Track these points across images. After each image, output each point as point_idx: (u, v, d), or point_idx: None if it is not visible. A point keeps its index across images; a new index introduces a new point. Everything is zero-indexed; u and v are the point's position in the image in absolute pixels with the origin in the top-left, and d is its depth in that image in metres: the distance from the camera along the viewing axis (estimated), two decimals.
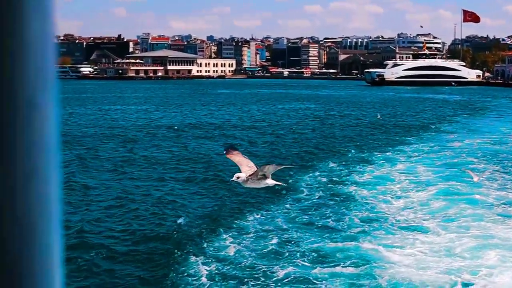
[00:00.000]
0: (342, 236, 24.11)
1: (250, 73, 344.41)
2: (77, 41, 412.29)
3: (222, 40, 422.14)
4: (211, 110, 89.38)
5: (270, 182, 10.50)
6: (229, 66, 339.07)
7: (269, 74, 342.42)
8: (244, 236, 24.08)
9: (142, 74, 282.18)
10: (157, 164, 40.20)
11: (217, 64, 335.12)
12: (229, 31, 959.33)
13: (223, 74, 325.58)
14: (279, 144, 50.72)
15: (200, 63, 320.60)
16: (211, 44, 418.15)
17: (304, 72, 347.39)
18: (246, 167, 10.56)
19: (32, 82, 0.80)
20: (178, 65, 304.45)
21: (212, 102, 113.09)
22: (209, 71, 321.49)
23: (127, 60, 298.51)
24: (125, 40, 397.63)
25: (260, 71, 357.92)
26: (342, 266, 20.70)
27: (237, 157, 11.26)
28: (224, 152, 12.00)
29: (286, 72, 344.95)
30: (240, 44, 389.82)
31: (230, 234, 24.32)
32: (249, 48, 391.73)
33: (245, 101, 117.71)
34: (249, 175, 10.20)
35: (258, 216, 27.13)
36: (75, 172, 36.40)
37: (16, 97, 0.78)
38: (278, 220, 26.51)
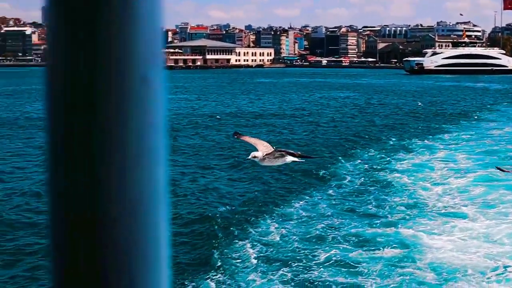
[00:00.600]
0: (382, 222, 24.71)
1: (288, 62, 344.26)
2: None
3: (261, 29, 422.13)
4: (251, 99, 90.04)
5: (287, 159, 10.60)
6: (267, 55, 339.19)
7: (307, 63, 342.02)
8: (288, 221, 24.81)
9: (181, 64, 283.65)
10: (201, 152, 41.00)
11: (255, 53, 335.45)
12: (267, 20, 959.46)
13: (261, 63, 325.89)
14: (319, 132, 51.23)
15: (239, 52, 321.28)
16: (249, 33, 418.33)
17: (343, 61, 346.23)
18: (262, 146, 10.66)
19: (145, 60, 0.85)
20: (217, 54, 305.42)
21: (251, 91, 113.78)
22: (247, 60, 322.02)
23: (166, 50, 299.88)
24: (164, 29, 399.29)
25: (298, 60, 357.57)
26: (383, 251, 21.30)
27: (250, 139, 11.52)
28: (235, 136, 12.48)
29: (324, 61, 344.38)
30: (278, 33, 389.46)
31: (274, 219, 25.05)
32: (287, 37, 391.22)
33: (284, 90, 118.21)
34: (266, 154, 10.28)
35: (302, 202, 27.83)
36: None
37: (131, 74, 0.81)
38: (321, 206, 27.20)
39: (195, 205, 27.22)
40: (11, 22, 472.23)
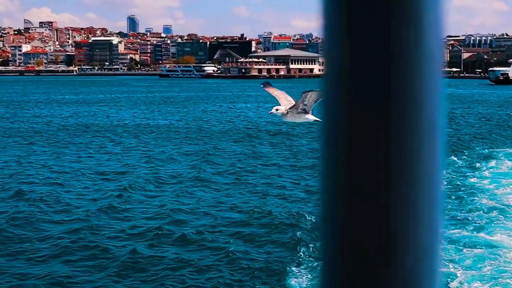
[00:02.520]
0: (468, 226, 25.79)
1: None
2: (200, 40, 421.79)
3: None
4: None
5: (310, 117, 10.30)
6: None
7: None
8: None
9: (265, 73, 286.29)
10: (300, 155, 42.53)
11: None
12: None
13: None
14: None
15: (322, 62, 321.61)
16: None
17: None
18: (284, 100, 10.45)
19: (432, 69, 0.81)
20: (300, 64, 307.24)
21: None
22: None
23: (250, 59, 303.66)
24: (247, 39, 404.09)
25: None
26: (468, 252, 22.39)
27: (275, 91, 11.25)
28: (262, 86, 12.23)
29: None
30: None
31: None
32: None
33: None
34: (289, 108, 9.98)
35: None
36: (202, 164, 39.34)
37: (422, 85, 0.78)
38: None
39: (282, 207, 28.93)
40: (98, 32, 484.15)
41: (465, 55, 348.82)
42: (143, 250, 22.13)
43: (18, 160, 40.29)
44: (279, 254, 22.31)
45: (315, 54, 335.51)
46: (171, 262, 21.10)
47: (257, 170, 38.13)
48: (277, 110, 9.71)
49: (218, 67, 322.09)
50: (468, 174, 37.07)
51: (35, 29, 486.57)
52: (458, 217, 27.25)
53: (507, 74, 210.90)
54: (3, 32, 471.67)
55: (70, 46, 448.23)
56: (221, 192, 32.03)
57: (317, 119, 10.10)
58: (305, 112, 9.81)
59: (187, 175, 35.38)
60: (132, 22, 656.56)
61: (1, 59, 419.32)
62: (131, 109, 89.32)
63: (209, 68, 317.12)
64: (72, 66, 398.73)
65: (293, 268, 20.92)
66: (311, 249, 22.64)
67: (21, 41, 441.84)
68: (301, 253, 22.20)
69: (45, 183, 33.29)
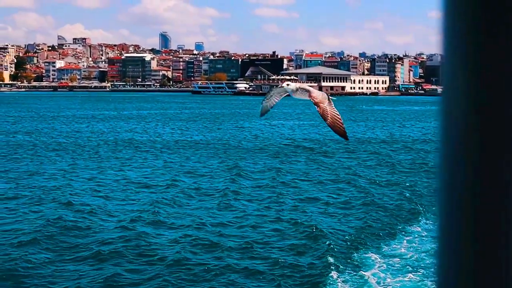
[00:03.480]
0: None
1: (403, 90, 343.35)
2: (232, 57, 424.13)
3: (375, 56, 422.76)
4: (369, 127, 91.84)
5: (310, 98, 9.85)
6: (382, 83, 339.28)
7: (423, 91, 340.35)
8: (418, 238, 26.98)
9: None
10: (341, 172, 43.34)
11: (370, 81, 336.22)
12: (381, 47, 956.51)
13: (376, 91, 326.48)
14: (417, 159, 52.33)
15: (354, 80, 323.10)
16: (363, 61, 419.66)
17: None
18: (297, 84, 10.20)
19: None
20: (332, 81, 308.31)
21: (368, 118, 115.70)
22: (362, 88, 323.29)
23: (282, 77, 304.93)
24: (279, 56, 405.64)
25: (413, 88, 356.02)
26: None
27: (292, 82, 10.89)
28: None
29: (440, 89, 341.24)
30: (393, 61, 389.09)
31: (406, 238, 27.27)
32: (402, 65, 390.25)
33: (402, 117, 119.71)
34: (299, 87, 9.84)
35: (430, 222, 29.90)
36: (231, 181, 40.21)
37: None
38: None
39: (329, 218, 29.77)
40: (131, 49, 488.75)
41: None
42: (185, 258, 23.05)
43: (63, 173, 41.50)
44: (316, 266, 23.02)
45: (347, 72, 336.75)
46: (213, 268, 22.01)
47: (294, 184, 38.86)
48: (288, 85, 9.65)
49: (250, 84, 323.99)
50: None
51: (68, 45, 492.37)
52: None
53: None
54: (37, 48, 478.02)
55: (103, 62, 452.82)
56: (259, 205, 32.79)
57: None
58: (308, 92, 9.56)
59: (225, 189, 36.23)
60: (164, 38, 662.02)
61: (35, 75, 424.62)
62: (168, 124, 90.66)
63: (241, 85, 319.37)
64: (105, 82, 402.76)
65: (333, 279, 21.59)
66: (347, 261, 23.51)
67: (55, 57, 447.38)
68: (341, 266, 22.96)
69: (91, 194, 34.42)
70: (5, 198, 33.30)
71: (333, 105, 8.99)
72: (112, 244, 24.81)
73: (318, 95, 9.23)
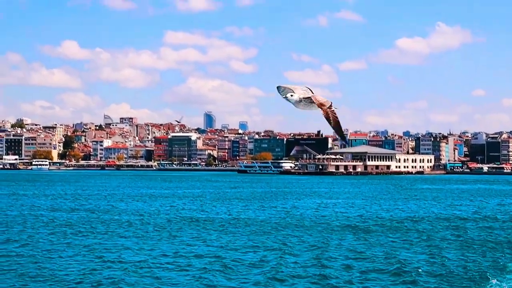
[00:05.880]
0: None
1: (449, 169, 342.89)
2: (277, 137, 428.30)
3: (420, 135, 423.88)
4: (419, 206, 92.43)
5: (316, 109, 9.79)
6: (427, 161, 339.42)
7: (468, 170, 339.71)
8: None
9: (342, 170, 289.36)
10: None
11: (415, 159, 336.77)
12: (425, 126, 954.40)
13: (421, 169, 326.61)
14: (492, 236, 52.98)
15: (399, 159, 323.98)
16: (408, 140, 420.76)
17: (505, 168, 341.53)
18: (300, 90, 9.92)
19: None
20: (377, 160, 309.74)
21: (417, 197, 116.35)
22: (407, 167, 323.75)
23: (328, 156, 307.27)
24: (323, 136, 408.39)
25: (459, 167, 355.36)
26: None
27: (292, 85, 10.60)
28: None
29: (485, 167, 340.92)
30: (438, 139, 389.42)
31: None
32: (447, 143, 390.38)
33: (447, 196, 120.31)
34: (303, 98, 9.70)
35: None
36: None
37: None
38: None
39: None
40: (176, 128, 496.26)
41: None
42: None
43: (130, 251, 43.30)
44: None
45: (392, 151, 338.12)
46: None
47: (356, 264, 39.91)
48: (292, 96, 9.66)
49: (296, 163, 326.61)
50: None
51: (115, 125, 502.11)
52: None
53: None
54: (85, 127, 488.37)
55: (150, 141, 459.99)
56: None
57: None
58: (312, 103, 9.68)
59: (303, 273, 37.13)
60: (209, 118, 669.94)
61: (83, 153, 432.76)
62: (222, 203, 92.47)
63: (287, 164, 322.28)
64: (151, 161, 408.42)
65: None
66: None
67: (102, 136, 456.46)
68: None
69: (160, 268, 36.26)
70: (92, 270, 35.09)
71: (334, 110, 9.46)
72: None
73: (322, 100, 9.53)
